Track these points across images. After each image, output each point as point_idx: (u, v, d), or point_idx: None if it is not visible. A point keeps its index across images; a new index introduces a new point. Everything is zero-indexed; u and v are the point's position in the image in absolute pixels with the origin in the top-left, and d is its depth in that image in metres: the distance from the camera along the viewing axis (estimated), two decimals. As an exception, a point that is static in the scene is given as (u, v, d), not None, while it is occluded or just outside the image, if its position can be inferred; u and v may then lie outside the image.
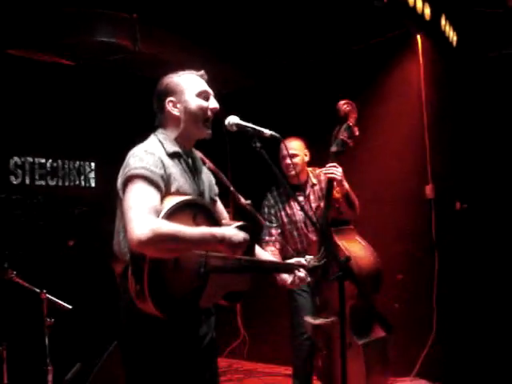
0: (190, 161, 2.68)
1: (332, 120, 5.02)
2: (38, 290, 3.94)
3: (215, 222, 2.58)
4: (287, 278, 2.97)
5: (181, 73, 2.71)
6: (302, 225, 4.43)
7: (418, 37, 5.21)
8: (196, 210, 2.47)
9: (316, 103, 5.68)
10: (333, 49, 5.67)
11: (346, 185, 4.02)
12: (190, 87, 2.65)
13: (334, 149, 3.92)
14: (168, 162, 2.51)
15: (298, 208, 4.43)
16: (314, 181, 4.46)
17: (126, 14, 4.70)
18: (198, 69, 2.78)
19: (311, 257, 2.92)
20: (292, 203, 4.46)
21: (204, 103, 2.65)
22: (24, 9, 4.44)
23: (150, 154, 2.47)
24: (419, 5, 4.38)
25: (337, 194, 3.99)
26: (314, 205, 4.43)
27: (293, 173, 4.33)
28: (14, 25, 4.48)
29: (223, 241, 2.41)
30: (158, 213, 2.31)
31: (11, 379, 3.91)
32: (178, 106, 2.63)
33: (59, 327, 3.98)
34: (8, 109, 4.81)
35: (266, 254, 3.01)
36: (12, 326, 4.11)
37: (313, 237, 4.35)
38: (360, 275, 3.71)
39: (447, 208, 5.17)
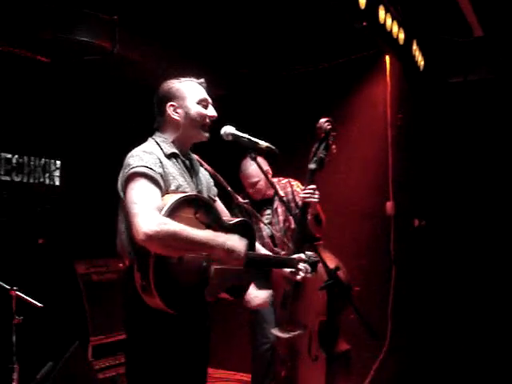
0: (187, 162, 2.78)
1: (299, 133, 5.23)
2: (8, 287, 3.90)
3: (216, 217, 2.67)
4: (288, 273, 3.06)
5: (182, 79, 2.81)
6: (269, 240, 4.47)
7: (387, 59, 5.41)
8: (197, 206, 2.56)
9: (284, 117, 5.83)
10: (304, 65, 5.81)
11: (318, 205, 4.06)
12: (191, 94, 2.76)
13: (312, 166, 3.86)
14: (166, 161, 2.62)
15: (266, 222, 4.49)
16: (281, 193, 4.44)
17: (106, 16, 4.71)
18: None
19: (311, 253, 3.04)
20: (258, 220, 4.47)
21: (203, 110, 2.76)
22: (3, 2, 4.39)
23: (149, 153, 2.57)
24: (395, 29, 4.56)
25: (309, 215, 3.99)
26: (281, 217, 4.49)
27: (258, 197, 4.46)
28: (-8, 17, 4.43)
29: (226, 248, 2.50)
30: (159, 210, 2.39)
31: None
32: (179, 110, 2.73)
33: (27, 325, 3.94)
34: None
35: (265, 250, 3.09)
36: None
37: (279, 251, 4.40)
38: None
39: (406, 225, 5.38)
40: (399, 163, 5.43)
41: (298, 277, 2.99)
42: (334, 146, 3.93)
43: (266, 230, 4.47)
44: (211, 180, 2.98)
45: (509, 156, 5.14)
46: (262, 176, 4.32)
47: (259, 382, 4.63)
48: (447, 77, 5.51)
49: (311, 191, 3.83)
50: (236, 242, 2.55)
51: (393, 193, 5.41)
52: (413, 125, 5.47)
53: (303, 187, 3.92)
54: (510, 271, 5.04)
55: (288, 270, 3.04)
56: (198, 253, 2.48)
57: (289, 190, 4.50)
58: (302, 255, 3.01)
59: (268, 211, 4.51)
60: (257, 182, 4.43)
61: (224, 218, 2.78)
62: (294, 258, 3.01)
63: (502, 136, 5.19)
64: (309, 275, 2.99)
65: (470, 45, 5.25)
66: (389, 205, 5.40)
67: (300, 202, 4.03)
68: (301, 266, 2.98)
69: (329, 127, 3.89)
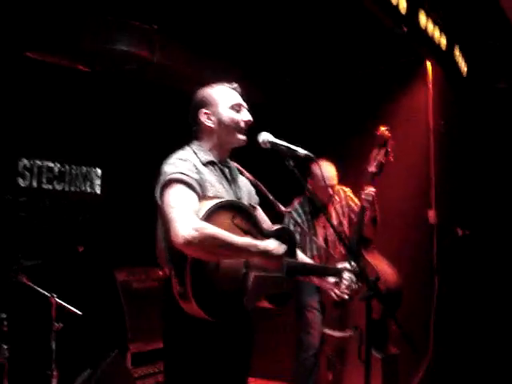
0: (225, 169, 2.76)
1: (340, 140, 5.20)
2: (48, 294, 3.95)
3: (254, 223, 2.64)
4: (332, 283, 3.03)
5: (214, 85, 2.78)
6: (322, 243, 4.57)
7: (429, 65, 5.31)
8: (234, 211, 2.53)
9: (325, 124, 5.79)
10: (346, 71, 5.76)
11: (376, 207, 4.18)
12: (223, 100, 2.72)
13: (372, 169, 4.07)
14: (203, 169, 2.60)
15: (321, 225, 4.63)
16: (336, 198, 4.67)
17: (145, 25, 4.74)
18: (212, 82, 2.85)
19: (355, 264, 2.92)
20: (315, 221, 4.62)
21: (237, 115, 2.72)
22: (44, 12, 4.45)
23: (184, 160, 2.56)
24: (436, 34, 4.48)
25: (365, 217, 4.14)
26: (335, 222, 4.61)
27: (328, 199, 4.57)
28: (34, 28, 4.49)
29: (266, 253, 2.49)
30: (197, 214, 2.37)
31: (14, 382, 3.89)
32: (212, 117, 2.71)
33: (66, 332, 3.98)
34: (20, 110, 4.81)
35: (308, 259, 3.06)
36: (19, 328, 4.08)
37: (333, 253, 4.50)
38: (389, 292, 3.93)
39: (449, 234, 5.26)
40: (442, 171, 5.31)
41: (343, 286, 2.94)
42: (391, 154, 4.11)
43: (321, 233, 4.60)
44: (253, 189, 2.94)
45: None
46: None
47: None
48: (491, 82, 5.38)
49: (373, 193, 4.04)
50: (274, 245, 2.53)
51: (435, 201, 5.30)
52: (456, 132, 5.36)
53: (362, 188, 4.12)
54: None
55: (332, 279, 3.00)
56: (236, 258, 2.47)
57: (342, 195, 4.72)
58: (348, 265, 2.93)
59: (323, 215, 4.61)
60: (335, 185, 4.62)
61: (264, 225, 2.75)
62: (339, 268, 2.97)
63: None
64: (354, 286, 2.93)
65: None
66: (431, 213, 5.29)
67: (355, 207, 4.46)
68: (346, 275, 2.93)
69: (389, 135, 4.09)
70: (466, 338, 5.08)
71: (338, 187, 4.70)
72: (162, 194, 2.49)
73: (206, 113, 2.70)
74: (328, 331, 4.15)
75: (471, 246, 5.21)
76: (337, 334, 4.07)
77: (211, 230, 2.33)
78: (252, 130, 2.80)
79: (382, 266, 4.13)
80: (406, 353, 5.03)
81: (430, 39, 4.43)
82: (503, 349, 4.98)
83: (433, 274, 5.22)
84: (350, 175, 4.97)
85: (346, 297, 2.99)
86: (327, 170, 4.55)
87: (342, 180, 4.76)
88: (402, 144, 5.34)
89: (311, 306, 4.57)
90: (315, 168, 4.49)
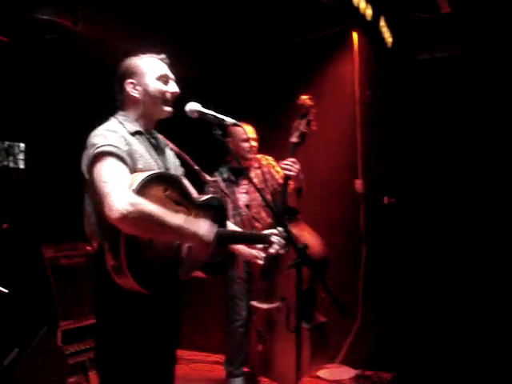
0: (152, 140, 2.73)
1: (269, 110, 5.21)
2: (-28, 273, 3.82)
3: (185, 194, 2.64)
4: (257, 253, 3.10)
5: (142, 56, 2.75)
6: (246, 210, 4.58)
7: (355, 35, 5.37)
8: (166, 183, 2.52)
9: (254, 94, 5.79)
10: (273, 42, 5.76)
11: (302, 177, 4.09)
12: (150, 70, 2.70)
13: (294, 139, 3.96)
14: (131, 139, 2.57)
15: (242, 192, 4.62)
16: (256, 164, 4.67)
17: (68, -7, 4.59)
18: (145, 53, 2.81)
19: (282, 229, 2.92)
20: (235, 189, 4.61)
21: (163, 86, 2.70)
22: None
23: (113, 131, 2.52)
24: (362, 5, 4.51)
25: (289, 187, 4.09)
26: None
27: (252, 156, 4.59)
28: None
29: (196, 236, 2.48)
30: (129, 188, 2.34)
31: None
32: (138, 88, 2.68)
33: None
34: None
35: (235, 227, 3.08)
36: None
37: (255, 223, 4.54)
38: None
39: (375, 202, 5.38)
40: (368, 140, 5.42)
41: (272, 250, 2.92)
42: (314, 123, 4.01)
43: (242, 200, 4.60)
44: (177, 160, 2.95)
45: (476, 131, 5.15)
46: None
47: (231, 359, 4.68)
48: (415, 54, 5.49)
49: (291, 163, 3.93)
50: (207, 229, 2.53)
51: (362, 170, 5.41)
52: (382, 102, 5.45)
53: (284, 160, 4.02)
54: (479, 246, 5.07)
55: (260, 245, 3.02)
56: (168, 238, 2.46)
57: (264, 162, 4.71)
58: (275, 230, 2.94)
59: (245, 181, 4.62)
60: (255, 139, 4.65)
61: (194, 196, 2.76)
62: (266, 234, 2.96)
63: (469, 112, 5.20)
64: (282, 251, 2.93)
65: (438, 21, 5.23)
66: (358, 182, 5.40)
67: (277, 175, 4.52)
68: (274, 239, 2.91)
69: (310, 104, 3.99)
70: (393, 303, 5.23)
71: (260, 155, 4.71)
72: (91, 168, 2.43)
73: (131, 83, 2.68)
74: (255, 304, 4.16)
75: (397, 213, 5.34)
76: (264, 306, 4.08)
77: (147, 206, 2.30)
78: (180, 101, 2.77)
79: (305, 236, 4.10)
80: (335, 320, 5.19)
81: (355, 10, 4.45)
82: (428, 309, 5.15)
83: (360, 241, 5.35)
84: (275, 146, 4.99)
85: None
86: (244, 127, 4.46)
87: (268, 151, 4.80)
88: (329, 114, 5.46)
89: (239, 277, 4.61)
90: (231, 128, 4.47)
